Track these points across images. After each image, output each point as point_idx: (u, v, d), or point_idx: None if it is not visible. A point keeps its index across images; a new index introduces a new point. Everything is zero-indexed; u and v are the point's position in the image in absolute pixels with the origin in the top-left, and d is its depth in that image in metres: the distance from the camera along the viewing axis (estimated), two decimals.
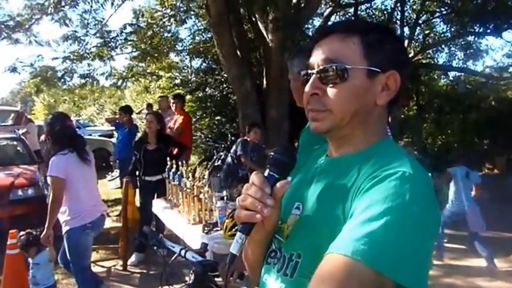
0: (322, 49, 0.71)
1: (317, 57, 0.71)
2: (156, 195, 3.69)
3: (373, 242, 0.56)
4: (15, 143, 5.91)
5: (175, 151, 4.20)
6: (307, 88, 0.72)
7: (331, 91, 0.69)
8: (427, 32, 10.14)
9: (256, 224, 0.69)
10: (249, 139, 4.68)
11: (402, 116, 9.21)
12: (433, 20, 9.71)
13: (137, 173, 4.04)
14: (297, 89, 1.45)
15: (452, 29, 9.04)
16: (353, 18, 9.02)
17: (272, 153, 0.72)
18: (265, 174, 0.70)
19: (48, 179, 2.59)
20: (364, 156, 0.69)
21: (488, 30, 7.37)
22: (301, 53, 1.53)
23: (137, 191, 4.21)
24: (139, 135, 6.44)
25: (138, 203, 4.74)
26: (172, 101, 5.30)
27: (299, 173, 0.82)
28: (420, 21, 9.48)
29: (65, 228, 2.58)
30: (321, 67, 0.70)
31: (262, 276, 0.76)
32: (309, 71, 0.73)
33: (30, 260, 2.70)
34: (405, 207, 0.58)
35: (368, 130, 0.72)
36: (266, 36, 5.81)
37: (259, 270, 0.78)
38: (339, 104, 0.69)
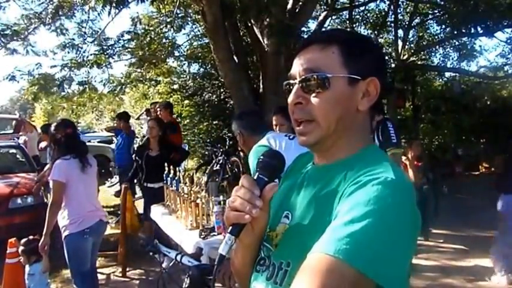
0: (303, 59, 0.73)
1: (298, 68, 0.73)
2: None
3: (355, 242, 0.58)
4: (14, 151, 5.95)
5: (177, 157, 4.19)
6: (290, 97, 0.74)
7: (314, 100, 0.71)
8: (421, 33, 10.23)
9: (245, 227, 0.70)
10: None
11: (398, 117, 9.25)
12: (427, 22, 9.80)
13: (137, 179, 4.03)
14: (243, 144, 2.13)
15: (446, 30, 9.12)
16: (347, 21, 9.14)
17: (262, 157, 0.74)
18: (255, 177, 0.72)
19: (50, 183, 2.65)
20: (349, 164, 0.71)
21: (481, 31, 7.44)
22: (239, 118, 2.26)
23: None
24: (137, 140, 6.48)
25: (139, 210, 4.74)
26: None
27: (287, 179, 0.83)
28: (414, 23, 9.57)
29: (64, 234, 2.61)
30: (303, 77, 0.72)
31: (251, 284, 0.77)
32: (291, 81, 0.75)
33: (26, 268, 2.71)
34: (387, 210, 0.60)
35: (352, 137, 0.74)
36: (262, 41, 5.85)
37: (247, 276, 0.78)
38: (322, 112, 0.71)
